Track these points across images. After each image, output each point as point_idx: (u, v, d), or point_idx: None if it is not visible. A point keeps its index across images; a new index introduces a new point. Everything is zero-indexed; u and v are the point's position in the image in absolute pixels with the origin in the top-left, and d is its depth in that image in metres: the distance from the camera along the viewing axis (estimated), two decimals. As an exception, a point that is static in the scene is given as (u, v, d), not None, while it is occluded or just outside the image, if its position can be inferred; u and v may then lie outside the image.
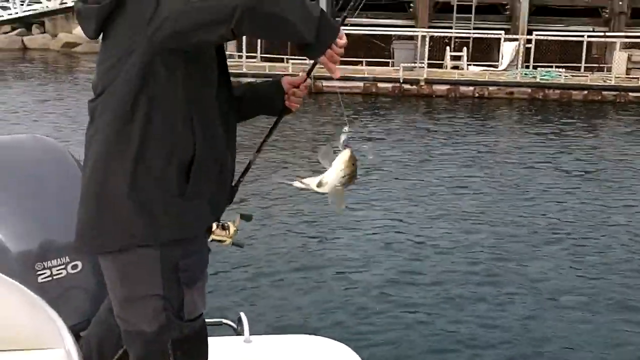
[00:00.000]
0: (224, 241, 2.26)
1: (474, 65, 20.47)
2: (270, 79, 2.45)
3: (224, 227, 2.25)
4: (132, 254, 2.08)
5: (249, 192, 8.38)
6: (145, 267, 2.09)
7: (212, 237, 2.22)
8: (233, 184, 2.32)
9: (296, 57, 19.97)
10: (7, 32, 29.49)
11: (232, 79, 2.27)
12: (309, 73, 2.35)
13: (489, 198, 9.35)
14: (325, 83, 17.23)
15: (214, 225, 2.21)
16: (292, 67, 18.70)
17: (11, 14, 24.73)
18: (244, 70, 18.66)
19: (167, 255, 2.07)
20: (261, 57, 20.47)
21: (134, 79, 1.96)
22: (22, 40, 30.22)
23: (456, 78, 18.87)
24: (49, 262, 2.39)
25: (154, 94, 1.98)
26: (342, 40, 1.95)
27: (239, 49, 20.23)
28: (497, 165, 11.35)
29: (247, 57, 19.68)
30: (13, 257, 2.34)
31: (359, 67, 19.14)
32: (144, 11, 1.88)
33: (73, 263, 2.43)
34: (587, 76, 19.24)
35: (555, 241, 7.83)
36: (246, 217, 2.35)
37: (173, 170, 2.04)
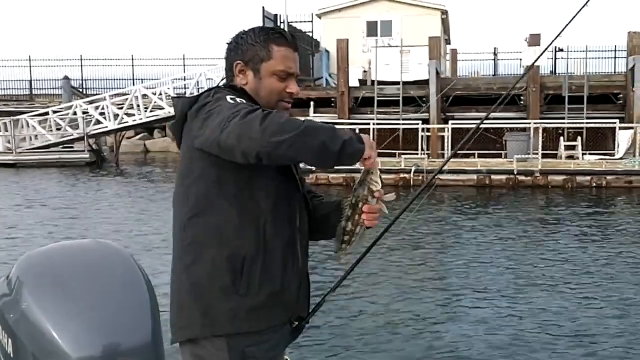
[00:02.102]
0: None
1: (588, 154, 20.29)
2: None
3: None
4: (201, 344, 2.21)
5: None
6: (214, 357, 2.20)
7: None
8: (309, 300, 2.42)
9: (409, 152, 20.37)
10: (130, 137, 31.66)
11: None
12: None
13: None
14: (440, 176, 17.33)
15: None
16: (405, 162, 19.06)
17: (135, 120, 26.37)
18: (358, 165, 19.10)
19: (233, 344, 2.19)
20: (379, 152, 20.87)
21: (193, 183, 2.21)
22: (145, 144, 32.33)
23: (572, 168, 18.65)
24: None
25: (207, 197, 2.19)
26: (368, 162, 2.13)
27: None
28: (625, 256, 11.03)
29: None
30: None
31: (471, 159, 19.29)
32: (195, 128, 2.13)
33: None
34: None
35: None
36: None
37: (225, 268, 2.16)
